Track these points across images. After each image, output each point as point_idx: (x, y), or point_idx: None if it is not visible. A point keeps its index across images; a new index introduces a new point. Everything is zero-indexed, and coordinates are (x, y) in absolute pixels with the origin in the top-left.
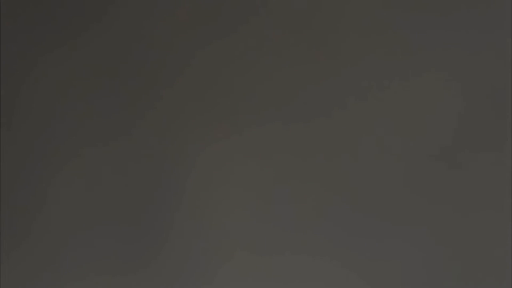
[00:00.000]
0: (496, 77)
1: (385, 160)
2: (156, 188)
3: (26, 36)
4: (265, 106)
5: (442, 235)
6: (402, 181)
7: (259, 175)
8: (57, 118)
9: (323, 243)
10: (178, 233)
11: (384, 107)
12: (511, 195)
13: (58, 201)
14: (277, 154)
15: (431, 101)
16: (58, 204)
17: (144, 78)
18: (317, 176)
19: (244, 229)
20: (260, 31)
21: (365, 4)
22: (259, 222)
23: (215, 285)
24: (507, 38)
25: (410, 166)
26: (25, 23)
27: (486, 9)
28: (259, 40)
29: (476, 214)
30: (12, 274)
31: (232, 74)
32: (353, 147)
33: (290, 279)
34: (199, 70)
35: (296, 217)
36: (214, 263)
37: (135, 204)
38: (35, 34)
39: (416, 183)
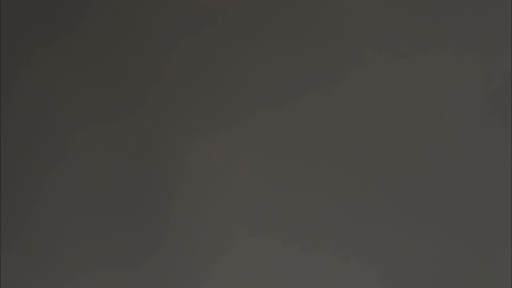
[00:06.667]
0: (495, 77)
1: (386, 152)
2: (152, 182)
3: (22, 31)
4: (260, 96)
5: (450, 232)
6: (410, 174)
7: (256, 166)
8: (52, 111)
9: (321, 233)
10: (175, 226)
11: (384, 105)
12: (511, 196)
13: (54, 195)
14: (273, 144)
15: (432, 101)
16: (55, 198)
17: (137, 70)
18: (314, 166)
19: (240, 220)
20: (255, 22)
21: (365, 1)
22: (256, 213)
23: (211, 279)
24: (507, 38)
25: (413, 163)
26: (24, 19)
27: (486, 9)
28: (253, 31)
29: (477, 214)
30: (10, 270)
31: (228, 66)
32: (351, 138)
33: (290, 271)
34: (192, 62)
35: (294, 207)
36: (211, 256)
37: (131, 198)
38: (31, 28)
39: (419, 182)
